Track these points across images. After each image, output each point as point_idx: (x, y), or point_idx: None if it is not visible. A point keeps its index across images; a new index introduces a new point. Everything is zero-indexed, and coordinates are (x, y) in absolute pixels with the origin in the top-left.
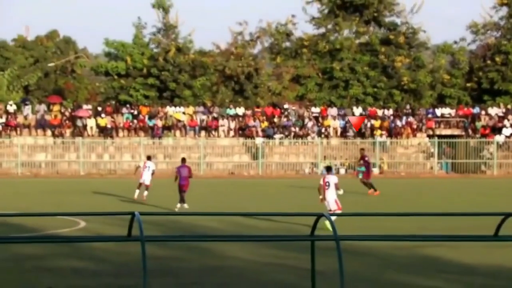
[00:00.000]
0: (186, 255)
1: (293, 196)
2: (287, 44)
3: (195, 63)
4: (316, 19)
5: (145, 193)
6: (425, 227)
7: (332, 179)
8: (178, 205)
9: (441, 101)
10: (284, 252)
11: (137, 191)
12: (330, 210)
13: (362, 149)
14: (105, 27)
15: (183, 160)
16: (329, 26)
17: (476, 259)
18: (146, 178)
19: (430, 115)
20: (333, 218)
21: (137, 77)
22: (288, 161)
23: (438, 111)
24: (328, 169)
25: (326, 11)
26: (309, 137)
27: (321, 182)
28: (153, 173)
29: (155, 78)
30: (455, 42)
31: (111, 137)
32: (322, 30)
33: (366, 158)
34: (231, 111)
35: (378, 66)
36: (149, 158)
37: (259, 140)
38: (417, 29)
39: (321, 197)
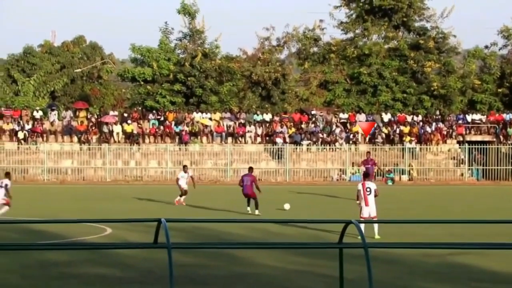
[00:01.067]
0: (213, 262)
1: (321, 202)
2: (315, 49)
3: (222, 68)
4: (344, 24)
5: (182, 198)
6: (455, 234)
7: (372, 185)
8: (248, 208)
9: (472, 106)
10: (312, 259)
11: (183, 197)
12: (370, 217)
13: (368, 152)
14: (132, 33)
15: (250, 169)
16: (358, 31)
17: (507, 267)
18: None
19: (460, 121)
20: (376, 226)
21: (164, 83)
22: (316, 168)
23: (469, 117)
24: (366, 175)
25: (354, 16)
26: (337, 143)
27: (360, 188)
28: (191, 179)
29: (182, 84)
30: (486, 47)
31: (138, 143)
32: (350, 35)
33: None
34: (258, 117)
35: (407, 72)
36: (184, 167)
37: (279, 140)
38: (447, 34)
39: (358, 201)
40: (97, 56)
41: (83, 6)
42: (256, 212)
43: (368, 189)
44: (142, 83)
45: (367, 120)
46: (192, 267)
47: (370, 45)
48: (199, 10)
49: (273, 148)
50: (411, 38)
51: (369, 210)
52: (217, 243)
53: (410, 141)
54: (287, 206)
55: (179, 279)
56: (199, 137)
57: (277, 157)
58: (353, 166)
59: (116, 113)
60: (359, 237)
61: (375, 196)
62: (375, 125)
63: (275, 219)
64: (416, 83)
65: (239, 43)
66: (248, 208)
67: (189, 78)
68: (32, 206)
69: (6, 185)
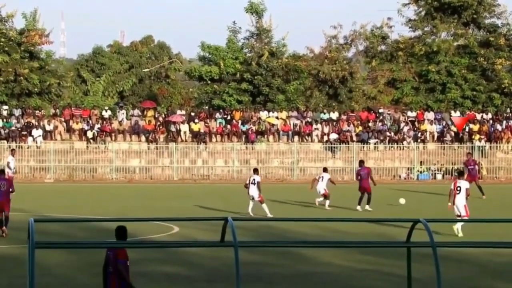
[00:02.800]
0: (279, 261)
1: (389, 201)
2: (383, 47)
3: (289, 67)
4: (413, 22)
5: (322, 200)
6: None
7: (464, 184)
8: (367, 206)
9: None
10: (379, 258)
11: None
12: (459, 215)
13: (469, 153)
14: (198, 32)
15: (361, 162)
16: (426, 29)
17: None
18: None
19: None
20: (459, 224)
21: (230, 82)
22: (383, 166)
23: None
24: (460, 173)
25: (423, 13)
26: (404, 142)
27: (452, 187)
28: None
29: (248, 83)
30: None
31: (204, 142)
32: (419, 32)
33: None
34: (325, 116)
35: (477, 69)
36: (325, 169)
37: (333, 136)
38: None
39: (450, 203)
40: (165, 56)
41: (152, 6)
42: (367, 207)
43: (458, 188)
44: (209, 82)
45: (435, 118)
46: (259, 266)
47: (438, 43)
48: (266, 9)
49: (340, 147)
50: (481, 35)
51: (456, 208)
52: (284, 242)
53: (480, 139)
54: (402, 201)
55: (246, 278)
56: (265, 136)
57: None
58: (421, 164)
59: (183, 112)
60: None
61: (467, 196)
62: (444, 123)
63: (341, 218)
64: (486, 80)
65: (306, 41)
66: (367, 206)
67: (255, 77)
68: (100, 204)
69: (258, 182)
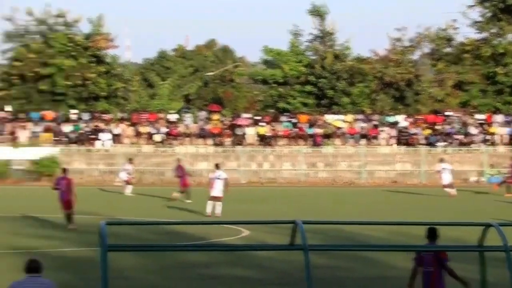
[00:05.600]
0: (349, 265)
1: (459, 205)
2: (448, 49)
3: (353, 70)
4: (478, 24)
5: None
6: None
7: None
8: None
9: None
10: (451, 262)
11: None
12: None
13: None
14: (262, 35)
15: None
16: (492, 30)
17: None
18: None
19: None
20: None
21: (295, 85)
22: (452, 169)
23: None
24: None
25: (488, 15)
26: (474, 145)
27: None
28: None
29: (313, 86)
30: None
31: (271, 145)
32: (485, 34)
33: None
34: (391, 119)
35: None
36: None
37: (440, 143)
38: None
39: None
40: (228, 59)
41: (215, 10)
42: None
43: None
44: (273, 85)
45: (505, 121)
46: (328, 269)
47: (505, 45)
48: (329, 11)
49: (409, 150)
50: None
51: None
52: (353, 245)
53: None
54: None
55: (317, 281)
56: (331, 139)
57: (412, 159)
58: (491, 168)
59: (249, 115)
60: None
61: None
62: None
63: (411, 222)
64: None
65: (370, 44)
66: None
67: (320, 80)
68: (170, 208)
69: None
